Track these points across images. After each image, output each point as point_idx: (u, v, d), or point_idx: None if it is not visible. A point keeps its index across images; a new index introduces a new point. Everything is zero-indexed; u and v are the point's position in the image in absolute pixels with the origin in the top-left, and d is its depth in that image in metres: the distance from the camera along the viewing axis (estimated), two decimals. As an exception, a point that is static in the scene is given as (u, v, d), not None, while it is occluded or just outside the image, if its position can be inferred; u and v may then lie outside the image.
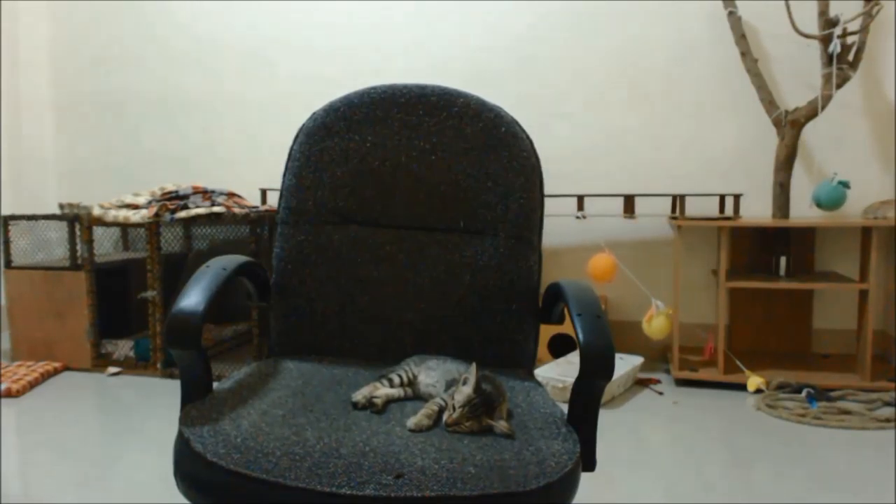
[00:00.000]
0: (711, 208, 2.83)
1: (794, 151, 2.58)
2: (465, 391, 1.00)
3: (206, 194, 2.82)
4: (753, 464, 1.89)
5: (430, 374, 1.13)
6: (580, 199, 2.71)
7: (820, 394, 2.34)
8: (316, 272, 1.36)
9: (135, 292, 2.92)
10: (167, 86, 3.45)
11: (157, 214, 2.69)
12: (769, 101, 2.61)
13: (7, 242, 2.93)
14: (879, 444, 2.02)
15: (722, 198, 2.67)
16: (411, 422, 0.98)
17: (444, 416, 0.99)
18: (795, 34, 2.58)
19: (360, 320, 1.36)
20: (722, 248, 2.51)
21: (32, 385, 2.61)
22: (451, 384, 1.08)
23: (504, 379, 1.16)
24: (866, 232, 2.46)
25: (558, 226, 3.05)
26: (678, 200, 2.67)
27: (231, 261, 1.17)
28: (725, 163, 2.89)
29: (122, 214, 2.75)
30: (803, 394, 2.36)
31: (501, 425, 0.98)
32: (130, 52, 3.48)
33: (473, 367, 1.02)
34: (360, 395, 1.08)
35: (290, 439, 0.91)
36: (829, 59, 2.49)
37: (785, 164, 2.59)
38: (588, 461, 1.01)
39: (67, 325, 2.85)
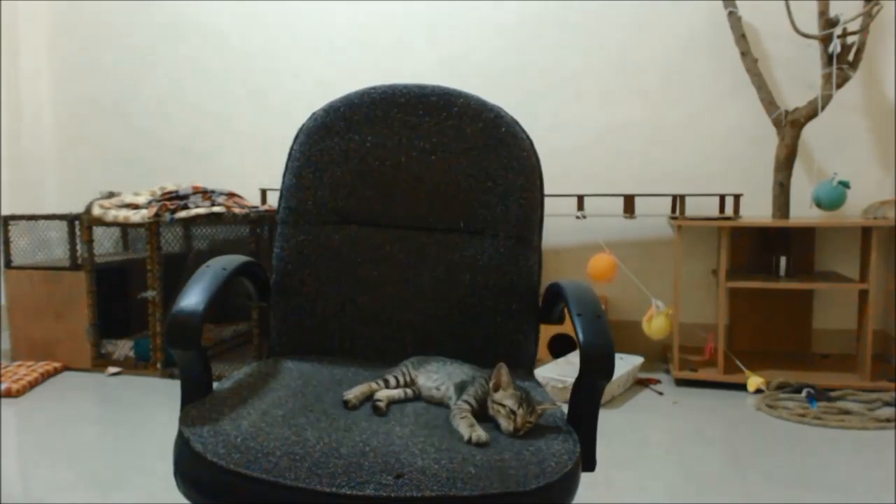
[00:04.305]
0: (711, 208, 2.83)
1: (794, 151, 2.58)
2: (509, 393, 1.00)
3: (206, 194, 2.82)
4: (753, 463, 1.89)
5: (432, 376, 1.13)
6: (580, 199, 2.72)
7: (820, 394, 2.34)
8: (316, 272, 1.36)
9: (135, 292, 2.92)
10: (167, 86, 3.45)
11: (157, 214, 2.69)
12: (769, 101, 2.61)
13: (7, 242, 2.93)
14: (879, 444, 2.02)
15: (722, 198, 2.67)
16: (474, 437, 0.93)
17: (506, 424, 0.97)
18: (795, 34, 2.58)
19: (360, 320, 1.36)
20: (722, 248, 2.51)
21: (32, 385, 2.61)
22: (461, 387, 1.07)
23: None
24: (866, 232, 2.46)
25: (558, 226, 3.05)
26: (678, 200, 2.67)
27: (231, 261, 1.17)
28: (725, 163, 2.89)
29: (122, 214, 2.75)
30: (803, 394, 2.36)
31: (546, 405, 1.01)
32: (130, 53, 3.48)
33: (504, 367, 1.02)
34: (351, 395, 1.07)
35: (290, 439, 0.91)
36: (829, 59, 2.49)
37: (785, 164, 2.59)
38: (588, 461, 1.01)
39: (67, 325, 2.85)
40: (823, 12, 2.50)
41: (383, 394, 1.09)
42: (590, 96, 2.99)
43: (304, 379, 1.18)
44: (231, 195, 2.93)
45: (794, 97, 2.79)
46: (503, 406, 0.99)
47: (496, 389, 1.02)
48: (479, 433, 0.94)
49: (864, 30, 2.47)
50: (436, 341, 1.34)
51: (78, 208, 3.57)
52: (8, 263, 2.93)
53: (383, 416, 1.03)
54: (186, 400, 1.03)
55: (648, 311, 2.61)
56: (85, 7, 3.52)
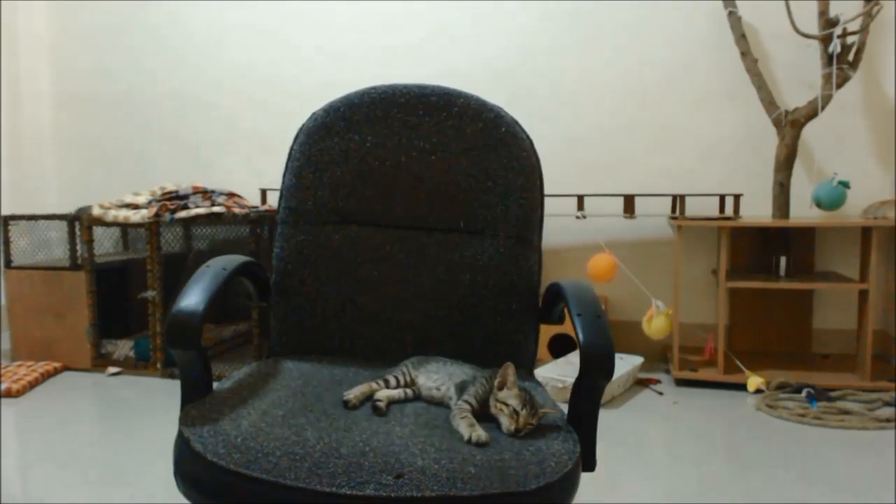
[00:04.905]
0: (711, 208, 2.83)
1: (794, 151, 2.58)
2: (514, 393, 0.99)
3: (206, 194, 2.82)
4: (753, 463, 1.89)
5: (432, 377, 1.13)
6: (580, 199, 2.72)
7: (820, 394, 2.34)
8: (316, 272, 1.36)
9: (135, 292, 2.92)
10: (167, 85, 3.45)
11: (157, 214, 2.69)
12: (769, 101, 2.61)
13: (7, 242, 2.93)
14: (879, 444, 2.02)
15: (722, 198, 2.67)
16: (474, 437, 0.93)
17: (507, 424, 0.97)
18: (795, 34, 2.58)
19: (360, 320, 1.36)
20: (722, 248, 2.51)
21: (32, 385, 2.61)
22: (461, 387, 1.07)
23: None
24: (866, 232, 2.46)
25: (558, 226, 3.05)
26: (678, 200, 2.67)
27: (231, 261, 1.17)
28: (725, 163, 2.89)
29: (122, 214, 2.75)
30: (803, 394, 2.36)
31: (547, 409, 1.00)
32: (131, 52, 3.48)
33: (511, 367, 1.02)
34: (351, 395, 1.07)
35: (290, 439, 0.91)
36: (829, 59, 2.49)
37: (785, 164, 2.59)
38: (588, 461, 1.01)
39: (67, 325, 2.85)
40: (823, 12, 2.50)
41: (383, 394, 1.09)
42: (590, 96, 2.99)
43: (304, 379, 1.18)
44: (231, 195, 2.93)
45: (794, 97, 2.79)
46: (506, 405, 0.99)
47: (501, 388, 1.02)
48: (479, 433, 0.94)
49: (864, 30, 2.47)
50: (436, 341, 1.34)
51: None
52: (8, 263, 2.93)
53: (383, 416, 1.03)
54: (186, 400, 1.03)
55: (648, 311, 2.61)
56: (85, 7, 3.52)
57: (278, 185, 3.13)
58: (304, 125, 1.42)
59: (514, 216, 1.34)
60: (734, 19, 2.67)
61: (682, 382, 2.64)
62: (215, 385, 1.08)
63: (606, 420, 2.25)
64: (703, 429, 2.17)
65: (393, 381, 1.13)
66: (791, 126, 2.56)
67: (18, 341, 2.92)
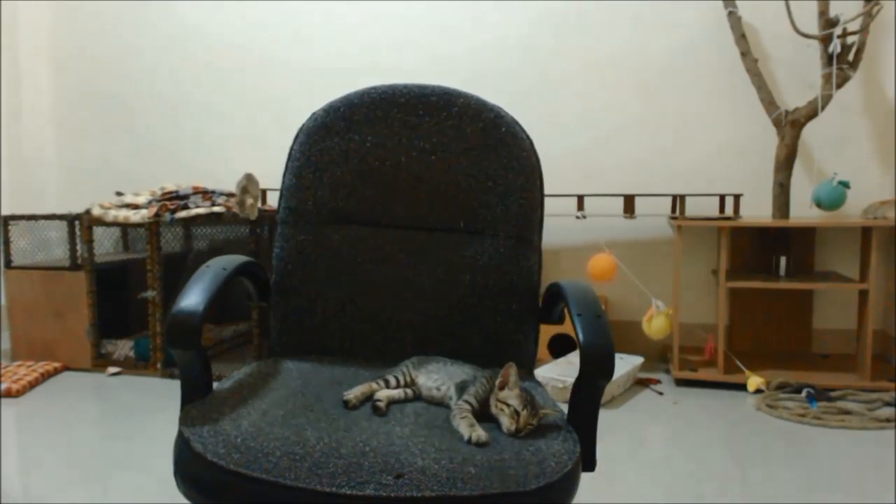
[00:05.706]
0: (711, 208, 2.83)
1: (794, 151, 2.58)
2: (515, 393, 0.99)
3: (207, 194, 2.82)
4: (753, 464, 1.89)
5: (432, 377, 1.13)
6: (580, 199, 2.71)
7: (820, 394, 2.34)
8: (316, 272, 1.36)
9: (135, 292, 2.92)
10: (167, 85, 3.45)
11: (157, 214, 2.69)
12: (769, 101, 2.61)
13: (7, 242, 2.93)
14: (879, 444, 2.02)
15: (722, 198, 2.67)
16: (474, 437, 0.93)
17: (508, 423, 0.97)
18: (795, 34, 2.58)
19: (360, 320, 1.36)
20: (722, 248, 2.51)
21: (32, 385, 2.61)
22: (462, 387, 1.07)
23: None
24: (866, 232, 2.46)
25: (558, 226, 3.05)
26: (678, 200, 2.67)
27: (231, 261, 1.17)
28: (725, 163, 2.89)
29: (122, 214, 2.75)
30: (803, 394, 2.36)
31: (548, 410, 1.00)
32: (131, 52, 3.48)
33: (514, 366, 1.02)
34: (351, 395, 1.07)
35: (290, 439, 0.91)
36: (829, 59, 2.49)
37: (785, 164, 2.59)
38: (588, 461, 1.01)
39: (67, 325, 2.85)
40: (823, 12, 2.50)
41: (383, 394, 1.09)
42: (590, 96, 2.99)
43: (304, 379, 1.18)
44: (231, 195, 2.93)
45: (794, 97, 2.79)
46: (507, 405, 0.99)
47: (502, 388, 1.01)
48: (480, 433, 0.94)
49: (864, 30, 2.47)
50: (436, 341, 1.34)
51: (78, 208, 3.57)
52: (8, 263, 2.93)
53: (383, 416, 1.03)
54: (186, 400, 1.03)
55: (648, 311, 2.61)
56: (85, 7, 3.52)
57: (278, 185, 3.13)
58: (304, 125, 1.42)
59: (514, 216, 1.34)
60: (734, 19, 2.67)
61: (682, 382, 2.64)
62: (215, 385, 1.08)
63: (606, 420, 2.25)
64: (703, 429, 2.17)
65: (393, 381, 1.13)
66: (791, 126, 2.56)
67: (18, 341, 2.92)
